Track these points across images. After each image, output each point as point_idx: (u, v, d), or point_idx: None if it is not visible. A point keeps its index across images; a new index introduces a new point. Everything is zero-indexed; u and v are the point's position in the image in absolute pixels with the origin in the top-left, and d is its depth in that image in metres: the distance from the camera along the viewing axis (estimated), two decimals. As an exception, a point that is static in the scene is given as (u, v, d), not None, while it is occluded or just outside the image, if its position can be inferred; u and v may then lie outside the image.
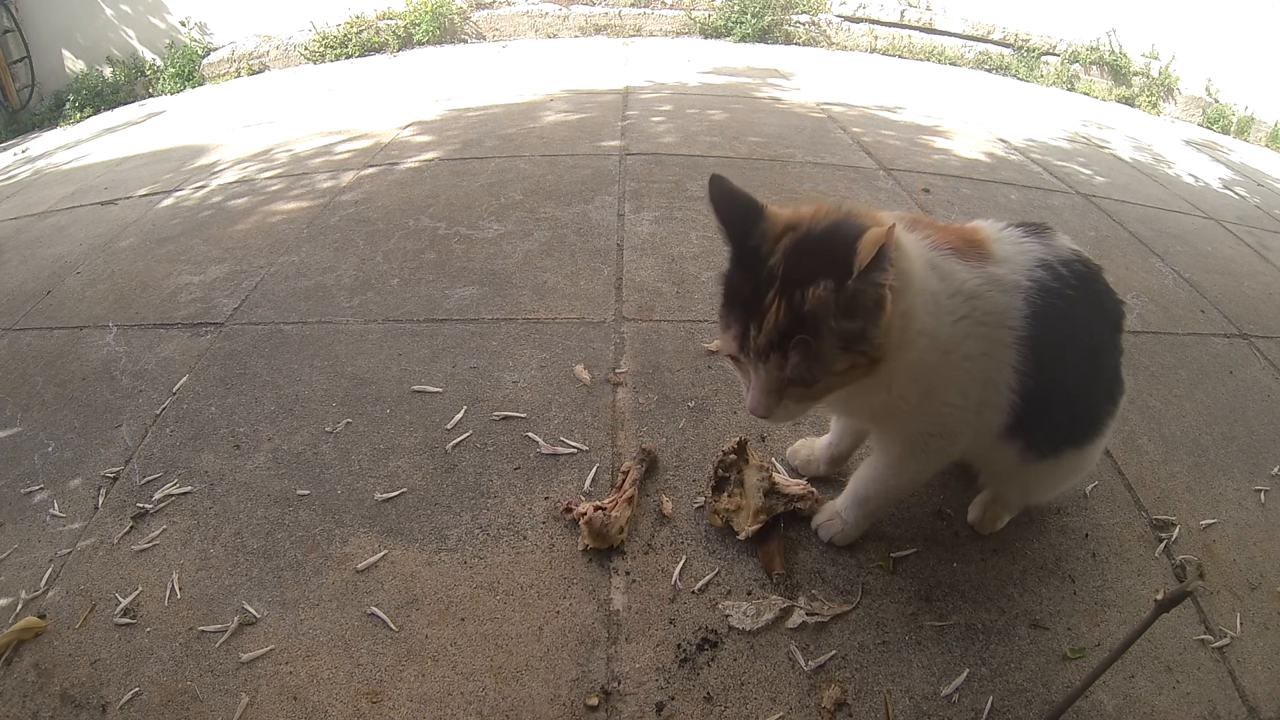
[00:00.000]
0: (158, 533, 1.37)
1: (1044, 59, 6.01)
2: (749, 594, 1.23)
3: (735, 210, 0.92)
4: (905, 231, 0.98)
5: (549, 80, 4.39)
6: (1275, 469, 1.64)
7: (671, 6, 6.26)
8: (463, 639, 1.17)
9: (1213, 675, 1.18)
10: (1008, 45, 6.10)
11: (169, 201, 2.92)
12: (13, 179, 3.86)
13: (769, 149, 3.16)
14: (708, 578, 1.25)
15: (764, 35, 6.09)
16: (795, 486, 1.33)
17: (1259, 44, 5.26)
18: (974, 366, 1.02)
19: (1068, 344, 1.06)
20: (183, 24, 5.76)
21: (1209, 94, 5.71)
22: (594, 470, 1.46)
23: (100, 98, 5.43)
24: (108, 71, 5.61)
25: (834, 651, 1.15)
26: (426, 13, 5.80)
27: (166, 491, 1.45)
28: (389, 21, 5.86)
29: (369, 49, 5.83)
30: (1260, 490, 1.57)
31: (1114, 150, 4.08)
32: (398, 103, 4.06)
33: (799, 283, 0.84)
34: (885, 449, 1.19)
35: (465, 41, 6.02)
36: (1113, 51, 5.86)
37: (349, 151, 3.24)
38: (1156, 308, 2.23)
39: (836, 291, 0.82)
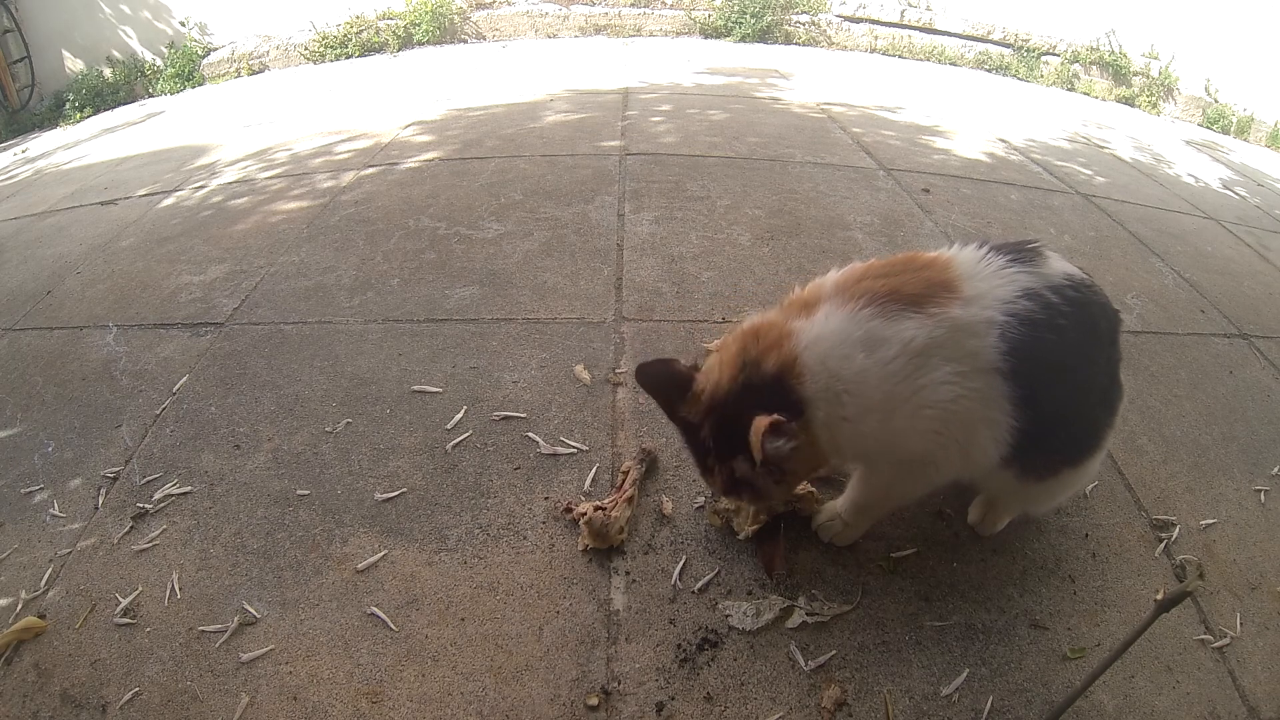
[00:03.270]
0: (158, 533, 1.37)
1: (1044, 59, 6.01)
2: (749, 594, 1.23)
3: (664, 392, 1.11)
4: (831, 312, 1.03)
5: (549, 80, 4.39)
6: (1275, 469, 1.64)
7: (671, 6, 6.26)
8: (463, 639, 1.17)
9: (1213, 675, 1.18)
10: (1008, 45, 6.10)
11: (169, 201, 2.92)
12: (13, 179, 3.86)
13: (769, 149, 3.16)
14: (708, 578, 1.25)
15: (764, 35, 6.09)
16: (795, 486, 1.33)
17: (1259, 44, 5.26)
18: (943, 412, 0.99)
19: (1059, 373, 1.02)
20: (183, 24, 5.76)
21: (1209, 94, 5.71)
22: (594, 470, 1.46)
23: (100, 98, 5.43)
24: (107, 71, 5.61)
25: (834, 651, 1.16)
26: (426, 13, 5.80)
27: (166, 491, 1.45)
28: (389, 21, 5.86)
29: (369, 49, 5.83)
30: (1260, 490, 1.57)
31: (1114, 150, 4.08)
32: (398, 103, 4.06)
33: (727, 456, 1.05)
34: (875, 473, 1.19)
35: (465, 41, 6.02)
36: (1113, 52, 5.86)
37: (349, 151, 3.24)
38: (1156, 308, 2.23)
39: (753, 466, 1.02)
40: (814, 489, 1.34)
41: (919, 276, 1.04)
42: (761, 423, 0.95)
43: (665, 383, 1.10)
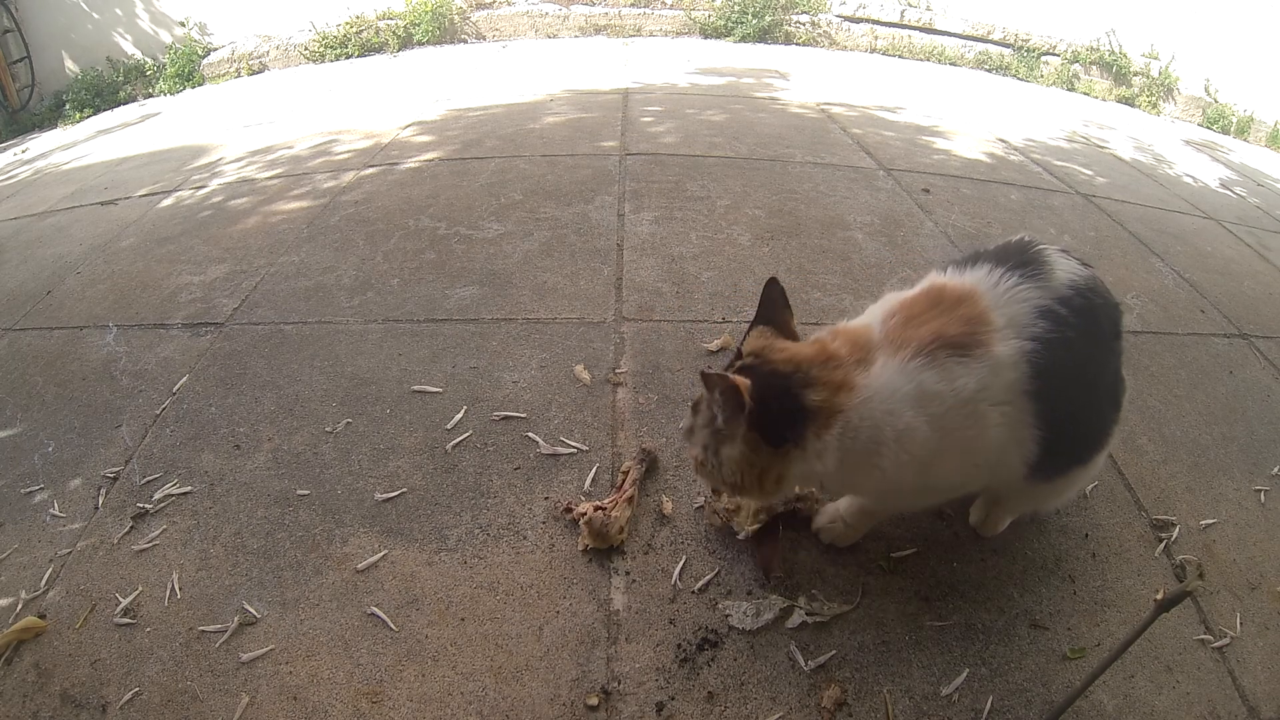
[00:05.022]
0: (158, 533, 1.37)
1: (1044, 59, 6.00)
2: (749, 594, 1.23)
3: (768, 315, 1.10)
4: (884, 365, 1.00)
5: (549, 80, 4.39)
6: (1275, 469, 1.64)
7: (671, 7, 6.26)
8: (463, 639, 1.17)
9: (1213, 675, 1.18)
10: (1008, 45, 6.10)
11: (169, 201, 2.92)
12: (13, 179, 3.86)
13: (769, 149, 3.16)
14: (708, 578, 1.25)
15: (764, 35, 6.09)
16: (795, 486, 1.33)
17: (1259, 44, 5.25)
18: (983, 442, 1.01)
19: (1073, 382, 1.03)
20: (182, 24, 5.76)
21: (1209, 94, 5.70)
22: (594, 470, 1.46)
23: (100, 98, 5.42)
24: (107, 72, 5.61)
25: (834, 651, 1.16)
26: (426, 13, 5.80)
27: (166, 491, 1.45)
28: (389, 21, 5.86)
29: (369, 49, 5.82)
30: (1260, 490, 1.57)
31: (1114, 150, 4.08)
32: (398, 103, 4.06)
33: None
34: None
35: (465, 41, 6.02)
36: (1113, 52, 5.86)
37: (349, 151, 3.24)
38: (1156, 308, 2.23)
39: (709, 406, 1.02)
40: (814, 488, 1.34)
41: (957, 316, 1.02)
42: (742, 381, 0.97)
43: (775, 313, 1.10)
